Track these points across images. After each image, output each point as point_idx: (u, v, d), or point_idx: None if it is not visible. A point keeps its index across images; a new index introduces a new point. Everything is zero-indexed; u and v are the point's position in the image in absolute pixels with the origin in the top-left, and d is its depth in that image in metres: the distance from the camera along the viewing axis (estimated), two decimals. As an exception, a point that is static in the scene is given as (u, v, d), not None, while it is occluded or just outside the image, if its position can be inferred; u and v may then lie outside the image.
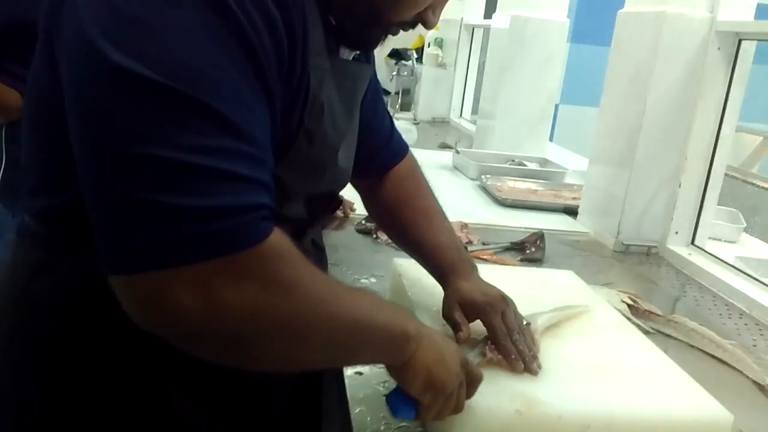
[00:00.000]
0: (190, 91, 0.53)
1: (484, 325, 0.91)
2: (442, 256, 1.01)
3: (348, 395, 0.91)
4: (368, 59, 0.92)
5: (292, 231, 0.62)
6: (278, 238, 0.58)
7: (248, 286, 0.55)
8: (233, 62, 0.57)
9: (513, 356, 0.85)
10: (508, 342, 0.87)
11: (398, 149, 1.10)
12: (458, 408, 0.76)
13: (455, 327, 0.91)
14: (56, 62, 0.61)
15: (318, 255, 1.00)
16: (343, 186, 0.94)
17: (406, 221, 1.06)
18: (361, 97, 0.93)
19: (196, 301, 0.53)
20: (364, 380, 0.94)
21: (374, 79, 1.03)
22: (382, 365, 0.76)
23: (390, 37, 0.80)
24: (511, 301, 0.94)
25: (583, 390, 0.83)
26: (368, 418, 0.86)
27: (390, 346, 0.69)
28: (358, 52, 0.84)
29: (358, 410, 0.88)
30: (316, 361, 0.66)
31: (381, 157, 1.08)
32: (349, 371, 0.96)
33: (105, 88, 0.54)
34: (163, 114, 0.53)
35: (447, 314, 0.94)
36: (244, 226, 0.55)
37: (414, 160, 1.13)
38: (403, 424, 0.85)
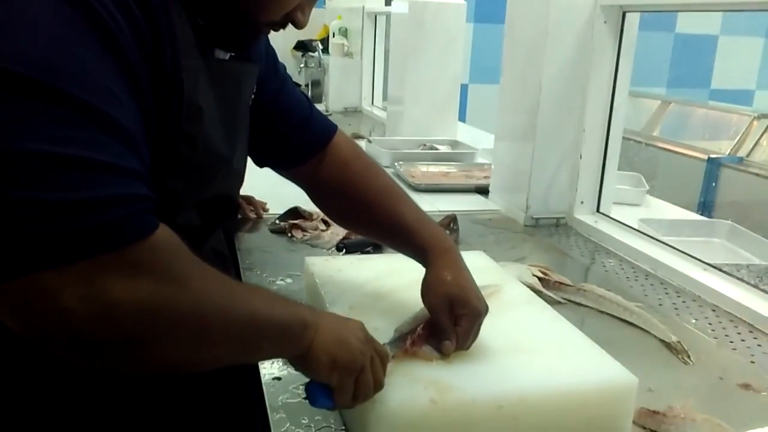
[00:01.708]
0: (51, 82, 0.50)
1: (457, 326, 0.86)
2: (420, 233, 0.96)
3: (267, 402, 0.90)
4: (252, 58, 0.91)
5: (189, 240, 0.60)
6: (165, 233, 0.55)
7: (140, 281, 0.51)
8: (95, 54, 0.55)
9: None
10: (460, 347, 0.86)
11: (323, 129, 1.05)
12: (377, 385, 0.75)
13: (443, 333, 0.86)
14: None
15: (220, 262, 0.98)
16: (238, 189, 0.92)
17: (368, 203, 1.01)
18: (250, 95, 0.91)
19: (84, 303, 0.49)
20: (282, 385, 0.93)
21: (274, 65, 1.01)
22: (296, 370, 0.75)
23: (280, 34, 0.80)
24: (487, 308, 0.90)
25: (494, 371, 0.84)
26: (288, 424, 0.85)
27: (289, 335, 0.68)
28: (235, 53, 0.83)
29: (277, 417, 0.87)
30: (215, 359, 0.63)
31: (304, 139, 1.04)
32: (266, 377, 0.95)
33: None
34: (23, 106, 0.49)
35: (433, 309, 0.89)
36: (127, 218, 0.52)
37: (355, 144, 1.09)
38: (326, 425, 0.85)
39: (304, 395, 0.88)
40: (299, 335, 0.69)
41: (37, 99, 0.50)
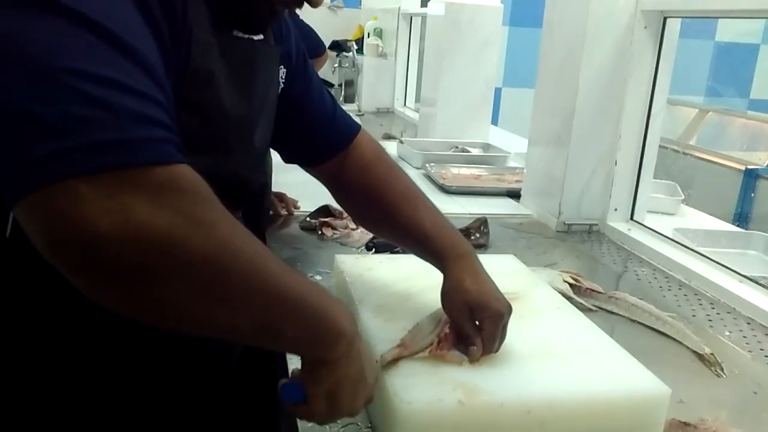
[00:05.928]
0: (82, 11, 0.53)
1: (481, 330, 0.85)
2: (437, 239, 0.94)
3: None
4: (275, 41, 0.91)
5: None
6: (195, 175, 0.54)
7: (162, 210, 0.50)
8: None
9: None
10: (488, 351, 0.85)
11: (346, 128, 1.05)
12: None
13: (467, 339, 0.86)
14: None
15: None
16: (258, 171, 0.91)
17: (387, 207, 0.99)
18: (275, 76, 0.91)
19: (107, 216, 0.48)
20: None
21: (304, 62, 1.01)
22: None
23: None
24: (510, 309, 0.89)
25: (523, 375, 0.83)
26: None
27: (318, 336, 0.64)
28: (253, 35, 0.83)
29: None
30: (230, 327, 0.58)
31: (327, 137, 1.03)
32: (294, 371, 0.95)
33: None
34: (58, 30, 0.52)
35: (454, 318, 0.89)
36: (154, 140, 0.52)
37: (378, 144, 1.08)
38: (351, 422, 0.85)
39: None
40: (332, 342, 0.65)
41: (75, 27, 0.52)
